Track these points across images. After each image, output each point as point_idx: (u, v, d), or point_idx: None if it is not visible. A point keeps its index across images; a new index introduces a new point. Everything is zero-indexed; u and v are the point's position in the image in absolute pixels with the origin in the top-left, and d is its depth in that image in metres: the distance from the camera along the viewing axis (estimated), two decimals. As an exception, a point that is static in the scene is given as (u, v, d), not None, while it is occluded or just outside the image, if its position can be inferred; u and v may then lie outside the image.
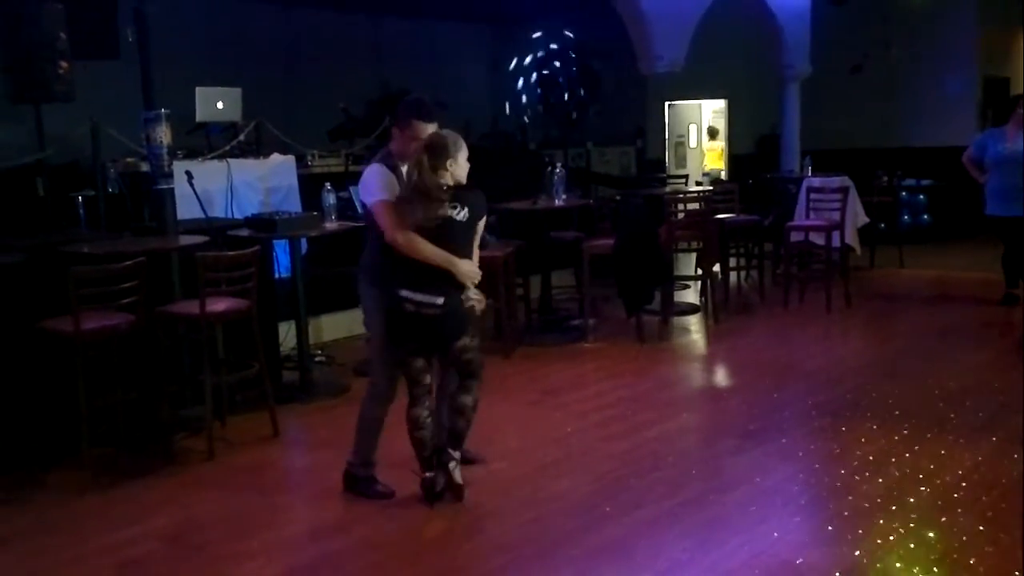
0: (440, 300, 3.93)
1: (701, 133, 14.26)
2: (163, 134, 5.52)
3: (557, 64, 14.51)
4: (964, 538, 3.69)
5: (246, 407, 5.46)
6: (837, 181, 8.99)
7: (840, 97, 12.97)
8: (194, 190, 6.00)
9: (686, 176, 11.58)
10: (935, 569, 3.53)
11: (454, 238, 3.98)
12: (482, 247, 7.52)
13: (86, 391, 4.49)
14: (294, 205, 7.18)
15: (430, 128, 4.09)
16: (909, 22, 12.41)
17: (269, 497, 4.44)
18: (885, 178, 10.66)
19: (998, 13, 12.72)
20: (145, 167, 6.27)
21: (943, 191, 12.02)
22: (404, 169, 4.08)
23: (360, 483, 4.29)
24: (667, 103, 13.37)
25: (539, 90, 14.67)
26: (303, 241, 6.27)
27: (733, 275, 9.06)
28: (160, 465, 4.76)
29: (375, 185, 4.07)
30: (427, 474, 4.13)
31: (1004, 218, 7.85)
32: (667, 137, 13.64)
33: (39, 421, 4.78)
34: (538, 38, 14.27)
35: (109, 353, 4.78)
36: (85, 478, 4.51)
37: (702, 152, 14.18)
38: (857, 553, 3.63)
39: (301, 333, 6.09)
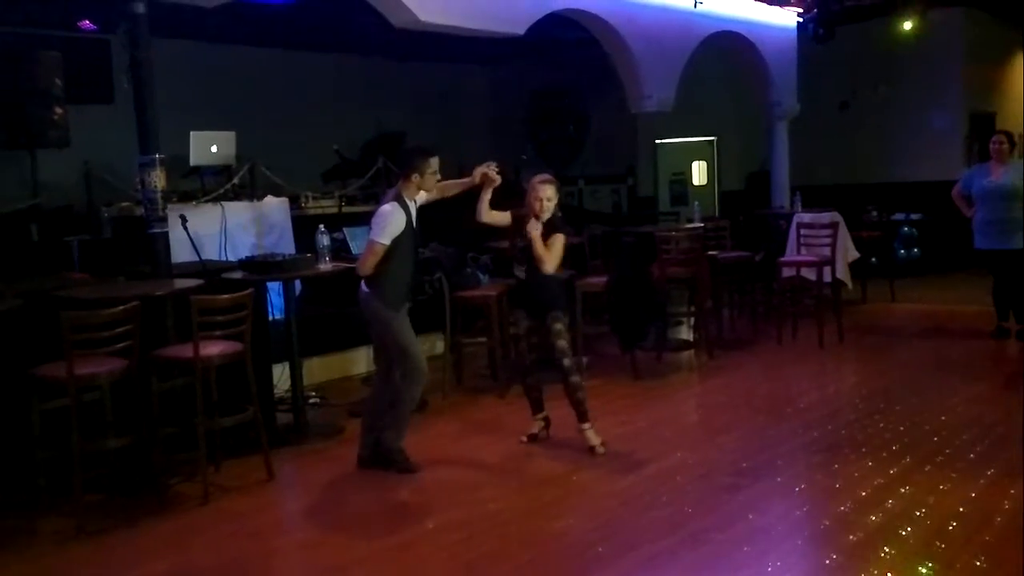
0: None
1: (711, 170, 13.74)
2: (157, 178, 5.55)
3: (550, 104, 14.67)
4: (962, 573, 3.68)
5: (240, 450, 5.42)
6: (827, 217, 9.06)
7: (829, 134, 13.10)
8: (188, 233, 6.02)
9: (677, 213, 11.54)
10: (934, 605, 3.52)
11: None
12: (475, 286, 7.55)
13: (79, 436, 4.47)
14: (288, 247, 7.20)
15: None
16: (895, 59, 12.57)
17: (265, 541, 4.41)
18: (875, 213, 10.74)
19: (982, 49, 12.91)
20: (139, 211, 6.30)
21: (933, 225, 12.11)
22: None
23: (398, 454, 5.00)
24: (658, 141, 13.49)
25: (532, 130, 14.83)
26: (297, 283, 6.28)
27: (726, 311, 9.09)
28: (154, 511, 4.71)
29: None
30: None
31: (993, 251, 7.91)
32: (658, 175, 13.68)
33: (32, 467, 4.74)
34: (531, 78, 14.43)
35: (102, 398, 4.76)
36: (78, 525, 4.47)
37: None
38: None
39: (295, 375, 6.08)
